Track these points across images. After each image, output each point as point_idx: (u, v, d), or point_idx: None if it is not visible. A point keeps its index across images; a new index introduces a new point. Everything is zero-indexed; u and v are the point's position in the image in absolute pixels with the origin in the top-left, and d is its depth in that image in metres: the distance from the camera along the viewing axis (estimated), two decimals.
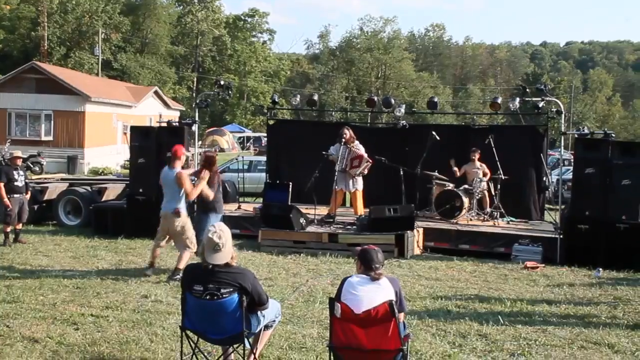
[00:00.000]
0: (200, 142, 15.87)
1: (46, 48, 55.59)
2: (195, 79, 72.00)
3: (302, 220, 12.10)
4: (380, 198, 12.90)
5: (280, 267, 10.34)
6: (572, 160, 17.39)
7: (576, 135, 12.68)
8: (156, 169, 12.45)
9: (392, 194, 13.06)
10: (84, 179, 19.66)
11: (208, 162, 9.61)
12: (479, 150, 13.69)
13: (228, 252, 5.11)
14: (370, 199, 12.94)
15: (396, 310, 4.65)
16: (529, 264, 10.83)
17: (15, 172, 11.91)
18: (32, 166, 27.10)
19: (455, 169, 13.67)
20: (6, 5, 59.48)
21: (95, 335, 6.56)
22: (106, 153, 32.89)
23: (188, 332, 5.17)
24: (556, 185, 16.38)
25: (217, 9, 76.12)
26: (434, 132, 13.48)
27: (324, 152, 12.76)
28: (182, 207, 9.30)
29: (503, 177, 13.05)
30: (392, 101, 15.40)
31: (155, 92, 41.85)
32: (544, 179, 14.05)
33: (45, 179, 18.04)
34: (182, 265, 8.90)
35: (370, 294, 4.74)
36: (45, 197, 14.49)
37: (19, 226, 12.20)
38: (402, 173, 12.84)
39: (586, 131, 12.65)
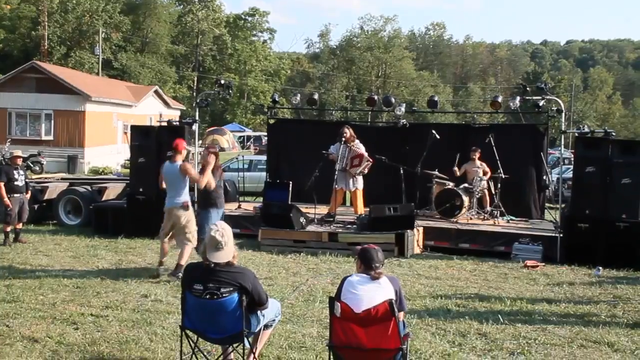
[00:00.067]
0: (200, 142, 15.87)
1: (46, 47, 55.57)
2: (195, 79, 72.01)
3: (302, 219, 12.10)
4: (380, 197, 12.89)
5: (280, 266, 10.34)
6: (572, 159, 17.40)
7: (576, 134, 12.67)
8: (157, 169, 12.48)
9: (392, 193, 13.06)
10: (84, 179, 19.66)
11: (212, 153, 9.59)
12: (479, 149, 13.69)
13: (230, 251, 5.11)
14: (371, 198, 12.94)
15: (396, 310, 4.65)
16: (529, 262, 10.83)
17: (15, 172, 11.91)
18: (32, 166, 27.09)
19: (455, 169, 13.67)
20: (6, 5, 59.47)
21: (95, 335, 6.57)
22: (106, 152, 32.89)
23: (188, 331, 5.17)
24: (556, 184, 16.37)
25: (217, 8, 76.12)
26: (434, 131, 13.47)
27: (324, 151, 12.76)
28: (189, 200, 9.29)
29: (503, 176, 13.05)
30: (393, 100, 15.40)
31: (156, 92, 41.83)
32: (544, 177, 14.05)
33: (46, 178, 18.03)
34: (183, 261, 8.89)
35: (370, 293, 4.74)
36: (46, 197, 14.49)
37: (19, 226, 12.20)
38: (402, 172, 12.83)
39: (586, 130, 12.64)
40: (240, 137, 53.41)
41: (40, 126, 31.39)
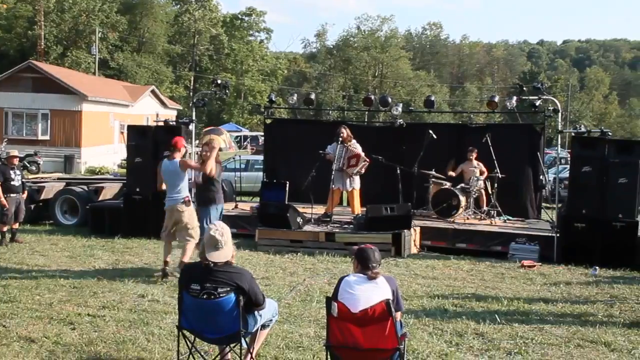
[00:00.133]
0: (197, 141, 15.85)
1: (43, 47, 55.48)
2: (192, 78, 71.93)
3: (299, 219, 12.10)
4: (377, 197, 12.89)
5: (277, 266, 10.34)
6: (568, 158, 17.42)
7: (573, 134, 12.68)
8: (153, 169, 12.47)
9: (389, 193, 13.06)
10: (80, 179, 19.65)
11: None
12: (475, 149, 13.70)
13: (229, 251, 5.12)
14: (367, 198, 12.92)
15: (393, 310, 4.65)
16: (525, 262, 10.84)
17: (12, 172, 11.91)
18: (28, 165, 27.06)
19: (451, 173, 13.68)
20: (3, 4, 59.33)
21: (92, 335, 6.56)
22: (103, 152, 32.87)
23: (185, 331, 5.17)
24: (553, 183, 16.36)
25: (214, 8, 76.04)
26: (431, 131, 13.47)
27: (320, 151, 12.76)
28: (189, 195, 9.26)
29: (500, 176, 13.07)
30: (389, 100, 15.38)
31: (152, 91, 41.83)
32: (541, 177, 14.06)
33: (42, 178, 18.01)
34: (186, 259, 8.86)
35: (367, 293, 4.74)
36: (42, 197, 14.46)
37: (16, 226, 12.20)
38: (399, 172, 12.84)
39: (583, 129, 12.66)
40: (237, 137, 53.38)
41: (36, 126, 31.37)
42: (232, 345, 5.30)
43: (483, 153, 13.48)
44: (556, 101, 13.27)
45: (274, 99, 16.08)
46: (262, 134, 26.39)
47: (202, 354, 5.55)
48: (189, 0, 74.55)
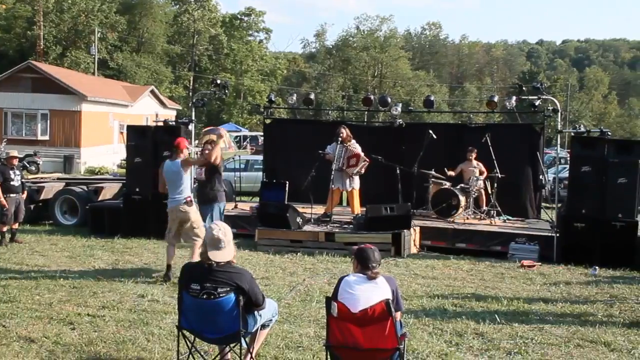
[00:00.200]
0: (196, 142, 15.82)
1: (42, 47, 55.47)
2: (191, 78, 71.91)
3: (298, 219, 12.10)
4: (376, 197, 12.89)
5: (277, 266, 10.33)
6: (568, 158, 17.42)
7: (572, 134, 12.69)
8: (153, 169, 12.48)
9: (389, 193, 13.06)
10: (80, 179, 19.65)
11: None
12: (475, 149, 13.69)
13: (230, 251, 5.12)
14: (367, 198, 12.92)
15: (393, 309, 4.65)
16: (525, 262, 10.84)
17: (11, 172, 11.91)
18: (28, 166, 27.07)
19: (451, 173, 13.67)
20: (2, 5, 59.33)
21: (91, 335, 6.56)
22: (102, 152, 32.87)
23: (185, 331, 5.17)
24: (552, 183, 16.37)
25: (213, 8, 76.03)
26: (430, 131, 13.47)
27: (320, 151, 12.76)
28: (191, 195, 9.24)
29: (499, 176, 13.07)
30: (389, 100, 15.38)
31: (152, 92, 41.84)
32: (541, 177, 14.06)
33: (42, 178, 18.00)
34: (195, 258, 8.83)
35: (367, 293, 4.74)
36: (42, 197, 14.46)
37: (16, 226, 12.19)
38: (398, 172, 12.84)
39: (582, 129, 12.66)
40: (236, 137, 53.38)
41: (36, 126, 31.37)
42: (232, 345, 5.30)
43: (482, 153, 13.48)
44: (555, 101, 13.27)
45: (273, 99, 16.08)
46: (262, 134, 26.39)
47: (202, 353, 5.55)
48: (188, 0, 74.54)
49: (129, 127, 14.07)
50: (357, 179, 12.84)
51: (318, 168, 12.52)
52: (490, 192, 13.46)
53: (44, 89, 31.09)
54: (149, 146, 12.95)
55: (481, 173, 13.64)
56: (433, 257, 11.44)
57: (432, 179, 13.54)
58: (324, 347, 5.00)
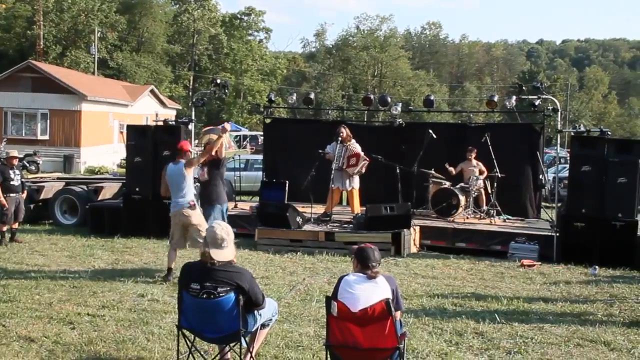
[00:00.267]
0: (196, 141, 15.82)
1: (42, 47, 55.45)
2: (191, 78, 71.86)
3: (298, 218, 12.10)
4: (376, 196, 12.91)
5: (277, 266, 10.33)
6: (568, 158, 17.43)
7: (572, 133, 12.70)
8: (153, 168, 12.51)
9: (389, 193, 13.08)
10: (80, 178, 19.65)
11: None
12: (475, 149, 13.69)
13: (232, 250, 5.13)
14: (367, 198, 12.93)
15: (393, 309, 4.64)
16: (525, 262, 10.84)
17: (11, 172, 11.91)
18: (28, 165, 27.05)
19: (451, 169, 13.67)
20: (2, 4, 59.33)
21: (91, 335, 6.55)
22: (102, 152, 32.87)
23: (184, 331, 5.16)
24: (552, 183, 16.38)
25: (213, 8, 75.94)
26: (430, 131, 13.47)
27: (320, 151, 12.77)
28: (194, 198, 9.19)
29: (499, 175, 13.07)
30: (389, 99, 15.38)
31: (152, 91, 41.83)
32: (540, 177, 14.07)
33: (42, 178, 18.01)
34: None
35: (366, 293, 4.74)
36: (42, 197, 14.46)
37: (15, 225, 12.19)
38: (398, 171, 12.84)
39: (582, 129, 12.67)
40: (236, 136, 53.38)
41: (36, 126, 31.37)
42: (231, 344, 5.30)
43: (482, 152, 13.47)
44: (555, 101, 13.27)
45: (273, 99, 16.08)
46: (262, 133, 26.38)
47: (202, 353, 5.55)
48: (188, 0, 74.51)
49: (129, 127, 14.07)
50: (356, 179, 12.84)
51: (318, 168, 12.52)
52: (490, 191, 13.45)
53: (43, 89, 31.09)
54: (148, 146, 12.96)
55: (481, 172, 13.64)
56: (433, 256, 11.44)
57: (432, 179, 13.54)
58: (324, 347, 5.00)
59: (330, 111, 22.82)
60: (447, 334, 6.85)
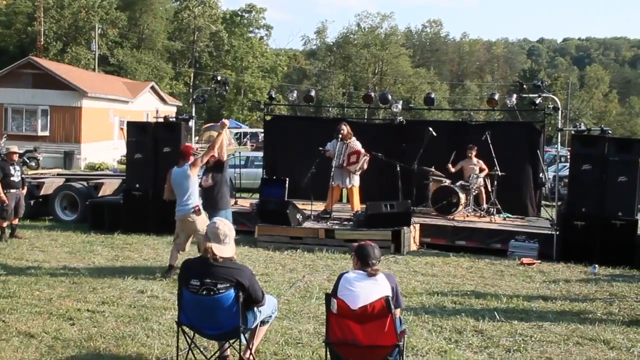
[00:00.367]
0: (197, 138, 15.85)
1: (43, 43, 55.37)
2: (192, 75, 71.79)
3: (298, 216, 12.09)
4: (376, 194, 12.90)
5: (277, 263, 10.34)
6: (568, 156, 17.41)
7: (573, 132, 12.70)
8: (153, 165, 12.53)
9: (389, 190, 13.07)
10: (80, 175, 19.64)
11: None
12: (475, 147, 13.69)
13: (232, 247, 5.14)
14: (367, 195, 12.93)
15: (392, 306, 4.65)
16: (525, 260, 10.84)
17: (11, 168, 11.90)
18: (28, 161, 27.06)
19: (449, 166, 13.65)
20: (2, 1, 59.28)
21: (91, 331, 6.56)
22: (103, 148, 32.87)
23: (184, 327, 5.17)
24: (552, 181, 16.37)
25: (214, 5, 75.82)
26: (430, 129, 13.46)
27: (320, 148, 12.77)
28: (199, 203, 9.13)
29: (500, 174, 13.07)
30: (389, 97, 15.39)
31: (152, 88, 41.82)
32: (541, 175, 14.06)
33: (42, 174, 18.01)
34: None
35: (366, 290, 4.74)
36: (42, 193, 14.47)
37: (15, 221, 12.19)
38: (398, 169, 12.83)
39: (583, 128, 12.66)
40: (237, 133, 53.35)
41: (36, 122, 31.37)
42: (231, 341, 5.30)
43: (483, 151, 13.47)
44: (556, 99, 13.27)
45: (273, 96, 16.09)
46: (262, 130, 26.38)
47: (202, 349, 5.55)
48: None
49: (129, 123, 14.08)
50: (357, 176, 12.83)
51: (318, 165, 12.52)
52: (490, 189, 13.45)
53: (44, 85, 31.09)
54: (149, 142, 12.96)
55: (481, 171, 13.63)
56: (433, 254, 11.44)
57: (432, 177, 13.53)
58: (324, 344, 5.00)
59: (330, 109, 22.81)
60: (447, 332, 6.85)
